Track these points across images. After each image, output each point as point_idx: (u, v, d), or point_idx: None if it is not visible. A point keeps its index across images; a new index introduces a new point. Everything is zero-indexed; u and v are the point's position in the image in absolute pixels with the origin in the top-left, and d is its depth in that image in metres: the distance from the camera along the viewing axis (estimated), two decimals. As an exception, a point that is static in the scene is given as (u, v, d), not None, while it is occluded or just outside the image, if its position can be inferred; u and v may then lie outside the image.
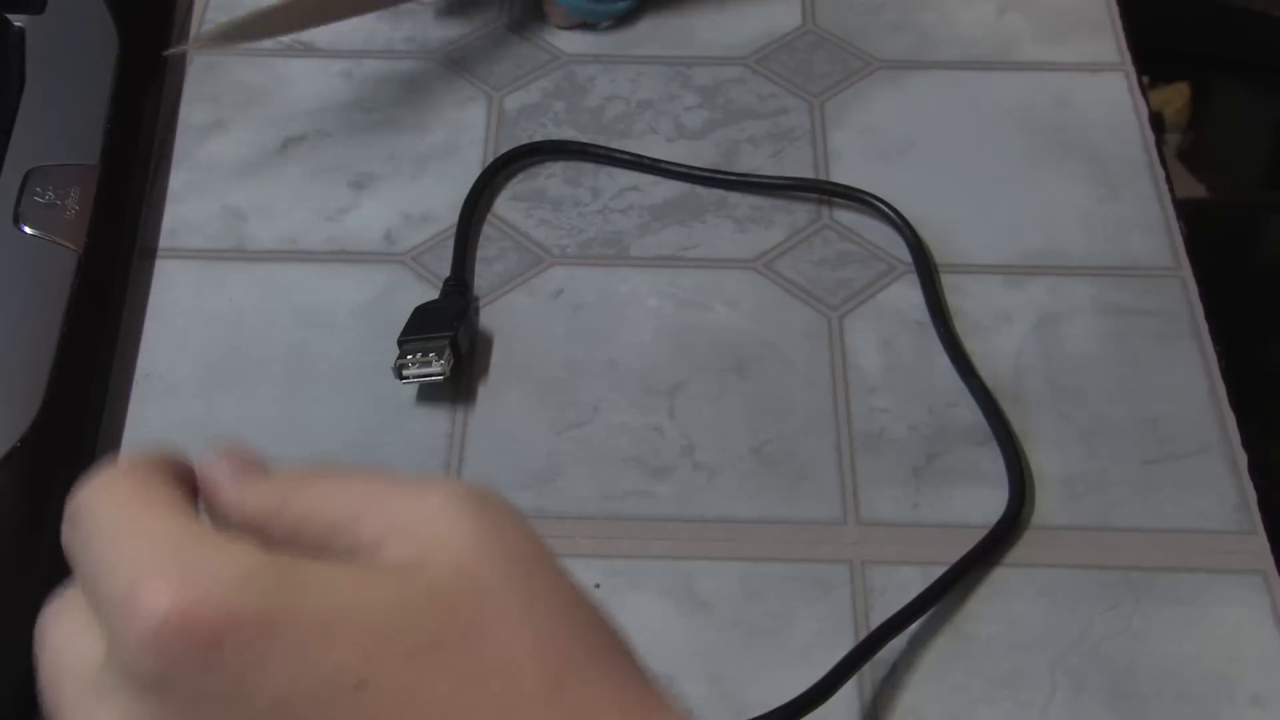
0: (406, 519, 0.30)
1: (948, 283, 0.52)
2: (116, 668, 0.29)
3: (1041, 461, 0.47)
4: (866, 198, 0.54)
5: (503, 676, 0.28)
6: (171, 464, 0.33)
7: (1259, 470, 0.46)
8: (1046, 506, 0.46)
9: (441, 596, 0.29)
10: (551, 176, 0.56)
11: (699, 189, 0.55)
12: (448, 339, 0.48)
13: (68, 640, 0.31)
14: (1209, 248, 0.52)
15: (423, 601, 0.29)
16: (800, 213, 0.54)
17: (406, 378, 0.48)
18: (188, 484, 0.33)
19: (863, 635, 0.42)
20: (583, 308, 0.51)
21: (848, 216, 0.54)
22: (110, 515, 0.31)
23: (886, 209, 0.53)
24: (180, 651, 0.27)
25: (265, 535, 0.31)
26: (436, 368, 0.47)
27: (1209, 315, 0.51)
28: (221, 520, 0.33)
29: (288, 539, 0.31)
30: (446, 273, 0.52)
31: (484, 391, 0.49)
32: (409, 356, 0.48)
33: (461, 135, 0.57)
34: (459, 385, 0.49)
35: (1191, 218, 0.53)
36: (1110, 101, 0.58)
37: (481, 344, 0.50)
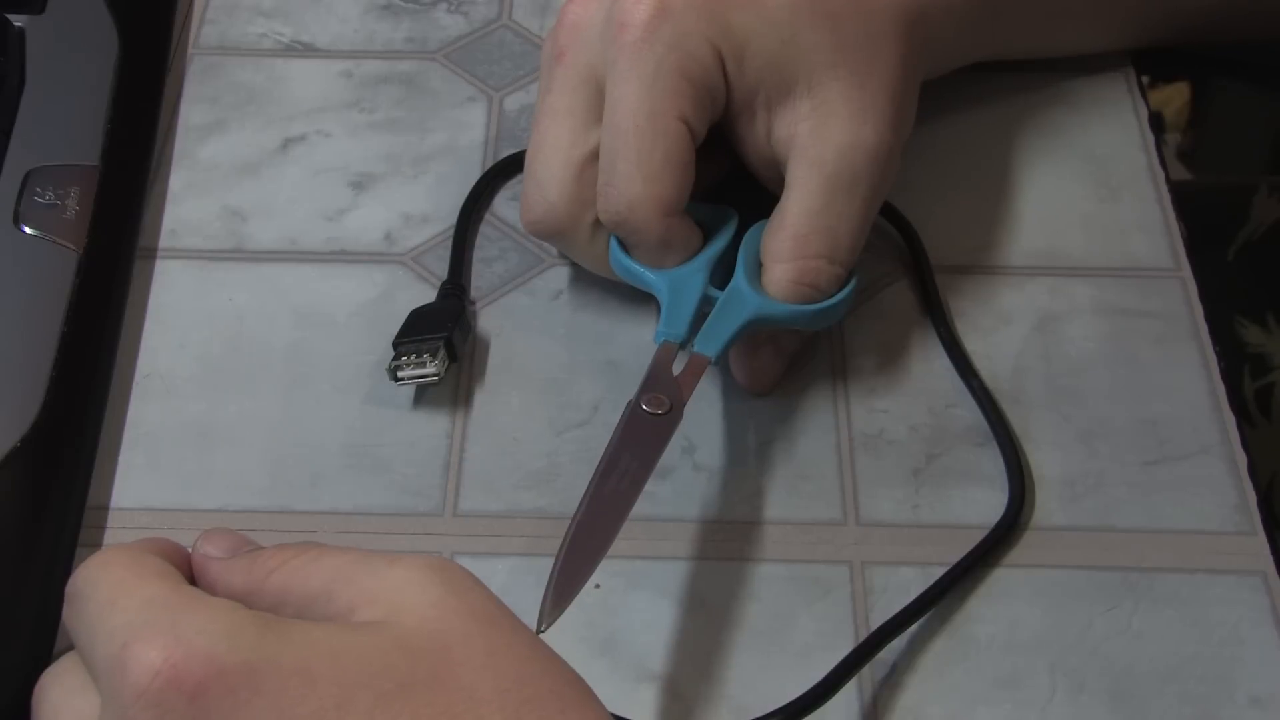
0: (375, 589, 0.33)
1: (947, 283, 0.52)
2: None
3: (1041, 462, 0.47)
4: (866, 198, 0.54)
5: (468, 716, 0.31)
6: (162, 545, 0.36)
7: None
8: (1046, 507, 0.46)
9: (408, 648, 0.32)
10: (551, 177, 0.56)
11: (699, 189, 0.55)
12: (441, 340, 0.48)
13: (65, 700, 0.34)
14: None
15: (392, 651, 0.32)
16: (800, 213, 0.54)
17: (401, 379, 0.48)
18: (179, 562, 0.36)
19: (863, 636, 0.42)
20: (583, 308, 0.51)
21: (848, 217, 0.54)
22: (105, 586, 0.33)
23: (885, 208, 0.53)
24: (170, 701, 0.30)
25: (249, 607, 0.34)
26: (431, 369, 0.47)
27: (1208, 316, 0.51)
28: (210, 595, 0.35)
29: (269, 610, 0.34)
30: (447, 273, 0.52)
31: (484, 392, 0.49)
32: (403, 358, 0.48)
33: (461, 135, 0.57)
34: (459, 386, 0.49)
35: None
36: (1110, 101, 0.58)
37: (481, 344, 0.50)
